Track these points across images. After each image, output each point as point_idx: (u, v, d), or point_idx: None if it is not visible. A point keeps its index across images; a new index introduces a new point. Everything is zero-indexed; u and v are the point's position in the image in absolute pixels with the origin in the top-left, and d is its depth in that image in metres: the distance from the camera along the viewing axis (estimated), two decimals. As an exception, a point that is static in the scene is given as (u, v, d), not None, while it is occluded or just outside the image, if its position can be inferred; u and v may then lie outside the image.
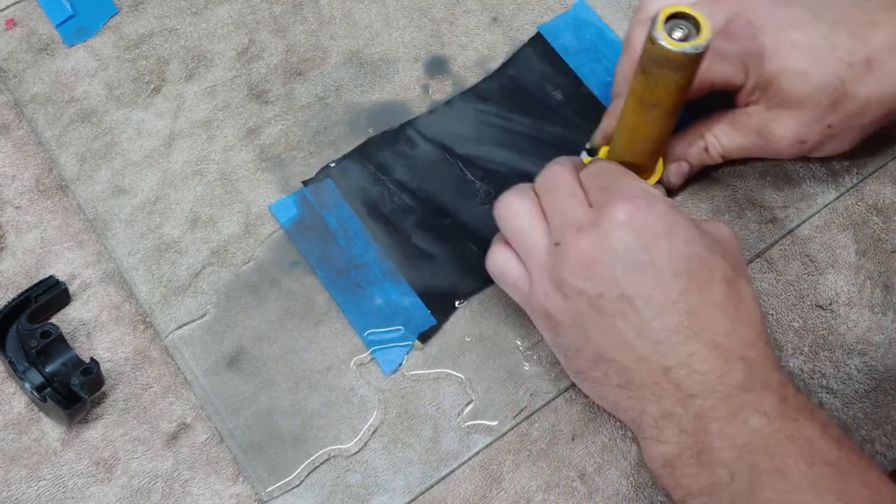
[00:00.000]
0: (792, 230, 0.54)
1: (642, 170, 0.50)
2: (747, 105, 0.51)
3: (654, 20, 0.41)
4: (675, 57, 0.41)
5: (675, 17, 0.42)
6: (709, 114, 0.52)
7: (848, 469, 0.38)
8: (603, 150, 0.52)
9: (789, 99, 0.49)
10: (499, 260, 0.46)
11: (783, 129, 0.50)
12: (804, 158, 0.56)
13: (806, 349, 0.51)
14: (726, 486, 0.39)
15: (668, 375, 0.41)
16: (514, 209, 0.46)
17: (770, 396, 0.40)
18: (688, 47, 0.41)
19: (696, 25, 0.41)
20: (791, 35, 0.48)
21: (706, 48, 0.41)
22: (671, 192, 0.53)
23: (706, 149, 0.52)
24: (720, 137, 0.51)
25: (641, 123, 0.46)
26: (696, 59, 0.42)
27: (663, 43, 0.41)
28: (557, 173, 0.46)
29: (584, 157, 0.53)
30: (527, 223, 0.45)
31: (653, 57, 0.42)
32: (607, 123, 0.52)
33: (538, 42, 0.59)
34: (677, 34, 0.41)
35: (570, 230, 0.43)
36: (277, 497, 0.47)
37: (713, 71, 0.48)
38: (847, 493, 0.37)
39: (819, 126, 0.49)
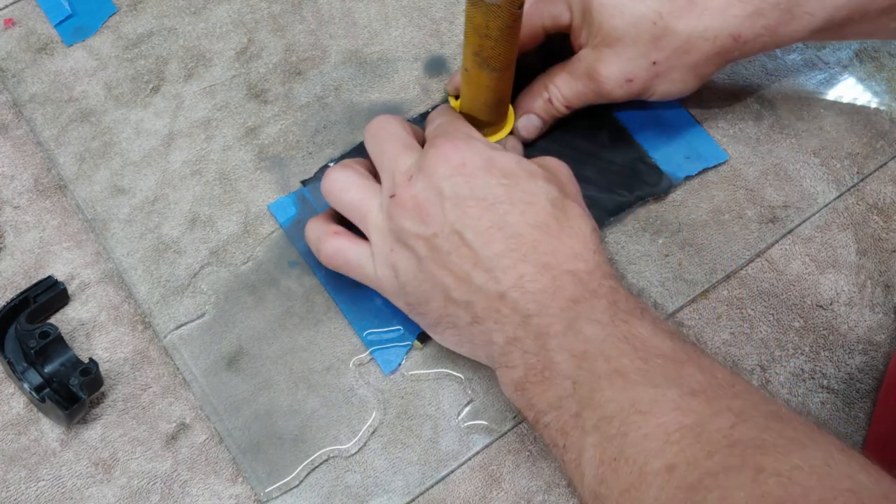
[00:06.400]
0: (792, 230, 0.54)
1: (489, 123, 0.51)
2: (580, 48, 0.51)
3: None
4: (489, 3, 0.42)
5: None
6: (553, 66, 0.53)
7: (681, 357, 0.39)
8: (457, 103, 0.52)
9: (609, 35, 0.49)
10: (333, 250, 0.47)
11: (608, 69, 0.50)
12: (804, 156, 0.56)
13: (807, 349, 0.51)
14: (570, 396, 0.39)
15: (504, 300, 0.42)
16: (340, 182, 0.47)
17: (600, 304, 0.41)
18: None
19: None
20: None
21: None
22: (525, 145, 0.54)
23: (550, 100, 0.52)
24: (560, 87, 0.52)
25: (476, 76, 0.47)
26: (511, 5, 0.42)
27: None
28: (388, 127, 0.48)
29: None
30: (356, 192, 0.46)
31: (472, 3, 0.43)
32: (457, 77, 0.53)
33: (538, 41, 0.59)
34: None
35: (402, 180, 0.44)
36: (276, 498, 0.46)
37: (541, 12, 0.50)
38: (682, 378, 0.38)
39: (643, 63, 0.50)
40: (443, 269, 0.43)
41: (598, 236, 0.44)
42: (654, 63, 0.50)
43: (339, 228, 0.48)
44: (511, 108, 0.53)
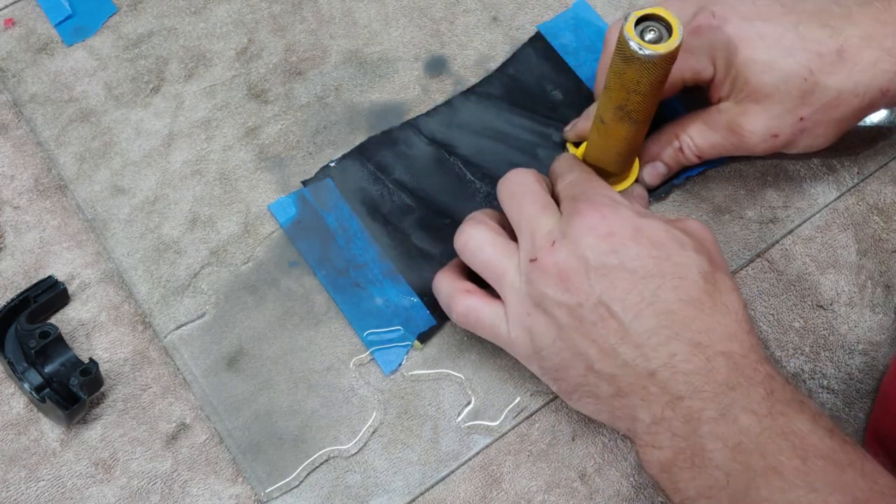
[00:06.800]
0: (793, 230, 0.54)
1: (618, 172, 0.51)
2: (719, 101, 0.51)
3: (624, 22, 0.41)
4: (646, 59, 0.41)
5: (647, 19, 0.42)
6: (685, 114, 0.52)
7: (842, 460, 0.38)
8: (580, 149, 0.52)
9: (757, 90, 0.48)
10: (465, 308, 0.46)
11: (753, 124, 0.49)
12: (805, 157, 0.56)
13: (807, 349, 0.51)
14: (723, 489, 0.38)
15: (653, 379, 0.41)
16: (476, 240, 0.46)
17: (757, 392, 0.39)
18: (660, 50, 0.41)
19: (668, 26, 0.42)
20: (758, 26, 0.48)
21: (677, 49, 0.41)
22: (649, 191, 0.53)
23: (681, 149, 0.52)
24: (694, 137, 0.51)
25: (614, 128, 0.47)
26: (667, 60, 0.42)
27: (633, 45, 0.41)
28: (526, 183, 0.46)
29: (570, 148, 0.54)
30: (492, 251, 0.45)
31: (625, 59, 0.42)
32: (583, 125, 0.53)
33: (538, 41, 0.59)
34: (649, 36, 0.42)
35: (544, 244, 0.43)
36: (277, 498, 0.46)
37: (683, 66, 0.49)
38: (843, 485, 0.37)
39: (790, 119, 0.49)
40: (586, 340, 0.42)
41: (748, 313, 0.42)
42: (801, 119, 0.49)
43: (471, 286, 0.47)
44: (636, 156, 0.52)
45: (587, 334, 0.42)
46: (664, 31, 0.42)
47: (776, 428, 0.38)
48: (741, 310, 0.42)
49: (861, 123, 0.57)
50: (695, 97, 0.52)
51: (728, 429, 0.39)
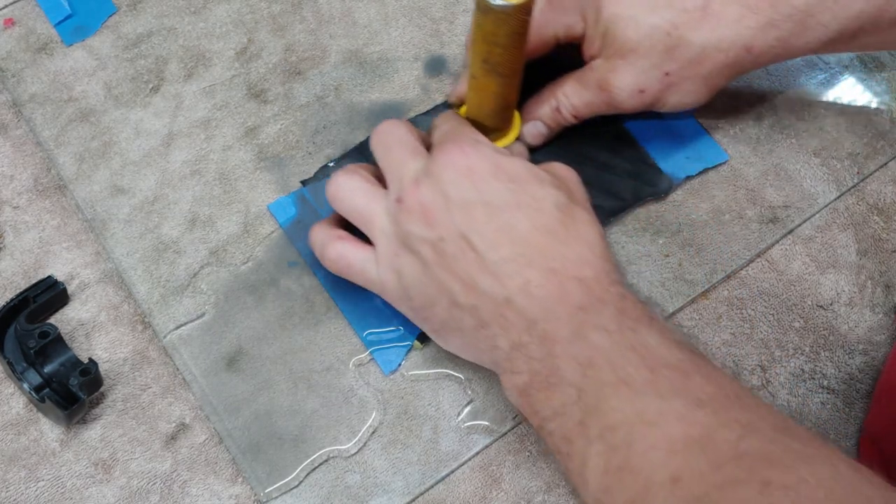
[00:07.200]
0: (793, 230, 0.54)
1: (495, 129, 0.51)
2: (591, 59, 0.51)
3: None
4: (500, 10, 0.42)
5: None
6: (564, 75, 0.53)
7: (689, 369, 0.39)
8: (462, 110, 0.53)
9: (623, 46, 0.49)
10: (336, 254, 0.47)
11: (620, 80, 0.50)
12: (804, 156, 0.56)
13: (807, 349, 0.51)
14: (575, 403, 0.39)
15: (510, 306, 0.42)
16: (346, 187, 0.47)
17: (608, 311, 0.41)
18: (512, 0, 0.42)
19: None
20: None
21: (530, 1, 0.42)
22: (531, 150, 0.54)
23: (558, 108, 0.52)
24: (569, 96, 0.52)
25: (483, 83, 0.47)
26: (521, 11, 0.42)
27: None
28: (396, 133, 0.47)
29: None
30: (362, 197, 0.46)
31: (481, 10, 0.43)
32: (462, 86, 0.53)
33: (538, 41, 0.59)
34: None
35: (409, 185, 0.44)
36: (276, 498, 0.46)
37: (554, 22, 0.50)
38: (689, 390, 0.38)
39: (656, 74, 0.49)
40: (448, 274, 0.43)
41: (606, 242, 0.44)
42: (667, 74, 0.49)
43: (343, 233, 0.48)
44: (518, 114, 0.53)
45: (449, 268, 0.43)
46: None
47: (626, 343, 0.39)
48: (596, 239, 0.43)
49: (859, 102, 0.57)
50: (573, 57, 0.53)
51: (580, 347, 0.40)
